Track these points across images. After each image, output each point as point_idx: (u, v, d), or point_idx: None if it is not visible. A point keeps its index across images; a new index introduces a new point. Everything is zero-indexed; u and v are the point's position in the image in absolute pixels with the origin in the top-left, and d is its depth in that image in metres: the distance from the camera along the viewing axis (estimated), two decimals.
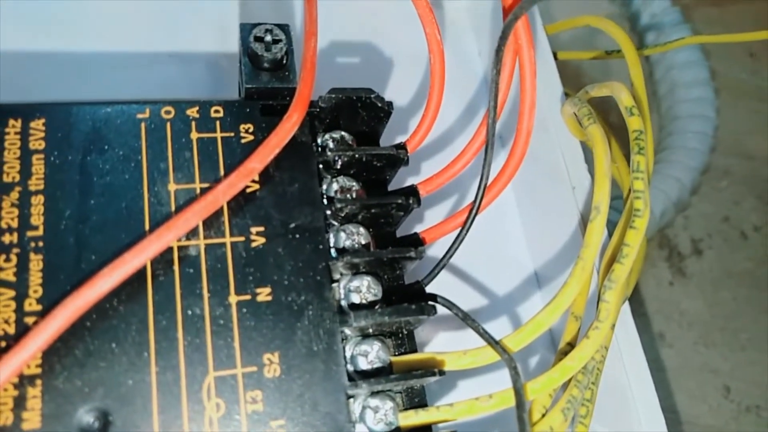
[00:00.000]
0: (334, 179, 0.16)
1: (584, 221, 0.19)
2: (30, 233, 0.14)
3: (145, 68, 0.20)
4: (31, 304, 0.13)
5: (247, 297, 0.14)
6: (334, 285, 0.15)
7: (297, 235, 0.15)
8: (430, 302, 0.16)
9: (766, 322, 0.35)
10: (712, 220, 0.38)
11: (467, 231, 0.17)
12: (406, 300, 0.15)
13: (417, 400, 0.16)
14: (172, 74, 0.21)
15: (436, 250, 0.20)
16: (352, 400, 0.15)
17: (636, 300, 0.33)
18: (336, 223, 0.16)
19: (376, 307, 0.15)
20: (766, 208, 0.38)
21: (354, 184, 0.16)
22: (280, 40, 0.16)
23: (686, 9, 0.38)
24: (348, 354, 0.15)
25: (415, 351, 0.16)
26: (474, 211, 0.17)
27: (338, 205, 0.15)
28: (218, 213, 0.15)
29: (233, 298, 0.14)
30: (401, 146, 0.17)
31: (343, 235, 0.16)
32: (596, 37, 0.36)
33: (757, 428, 0.33)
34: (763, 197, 0.39)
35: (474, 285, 0.21)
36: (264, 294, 0.14)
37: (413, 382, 0.14)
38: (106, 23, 0.21)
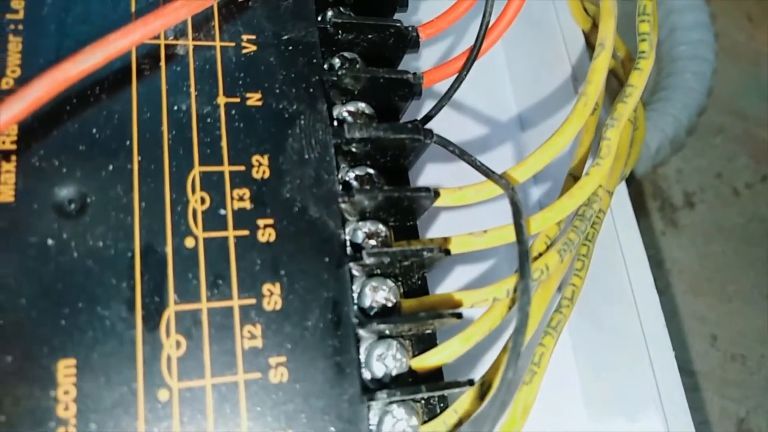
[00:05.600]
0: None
1: (575, 76, 0.18)
2: (9, 16, 0.13)
3: None
4: (8, 83, 0.12)
5: (236, 99, 0.14)
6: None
7: (290, 47, 0.14)
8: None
9: (752, 275, 0.35)
10: (705, 175, 0.38)
11: (467, 72, 0.16)
12: None
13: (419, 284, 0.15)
14: None
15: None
16: (355, 287, 0.14)
17: None
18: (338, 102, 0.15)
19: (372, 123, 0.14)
20: (758, 166, 0.38)
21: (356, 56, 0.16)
22: None
23: None
24: (348, 235, 0.14)
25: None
26: (475, 53, 0.16)
27: (339, 73, 0.15)
28: (209, 17, 0.14)
29: (222, 99, 0.13)
30: None
31: (344, 109, 0.15)
32: None
33: (742, 377, 0.33)
34: (755, 156, 0.38)
35: (461, 127, 0.21)
36: (254, 99, 0.14)
37: (411, 250, 0.13)
38: None
